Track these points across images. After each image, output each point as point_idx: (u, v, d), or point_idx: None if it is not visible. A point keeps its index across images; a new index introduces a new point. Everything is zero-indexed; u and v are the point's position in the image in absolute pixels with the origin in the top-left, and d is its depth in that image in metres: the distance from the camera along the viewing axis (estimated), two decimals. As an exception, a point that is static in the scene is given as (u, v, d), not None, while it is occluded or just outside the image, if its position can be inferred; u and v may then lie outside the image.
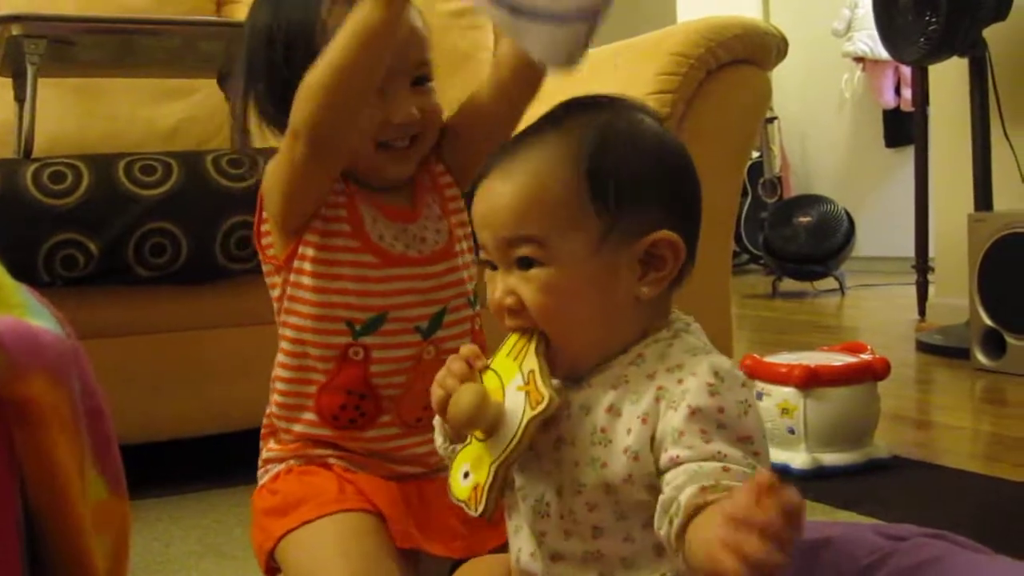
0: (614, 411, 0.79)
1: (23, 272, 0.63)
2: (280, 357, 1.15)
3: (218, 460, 1.80)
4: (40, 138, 1.83)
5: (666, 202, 0.82)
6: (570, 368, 0.83)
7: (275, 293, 1.15)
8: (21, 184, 1.61)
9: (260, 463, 1.18)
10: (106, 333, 1.66)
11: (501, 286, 0.82)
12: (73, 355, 0.63)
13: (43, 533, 0.59)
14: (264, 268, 1.16)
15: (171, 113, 2.46)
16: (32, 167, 1.65)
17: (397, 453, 1.13)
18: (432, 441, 0.94)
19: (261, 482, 1.16)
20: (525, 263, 0.81)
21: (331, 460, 1.13)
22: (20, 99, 1.87)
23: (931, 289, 3.51)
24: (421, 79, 1.12)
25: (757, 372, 1.73)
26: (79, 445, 0.60)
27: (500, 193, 0.82)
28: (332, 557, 1.02)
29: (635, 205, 0.80)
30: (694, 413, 0.74)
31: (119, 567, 0.67)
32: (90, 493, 0.64)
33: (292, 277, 1.12)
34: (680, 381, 0.77)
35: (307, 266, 1.11)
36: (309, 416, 1.14)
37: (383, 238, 1.13)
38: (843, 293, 4.58)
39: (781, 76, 5.32)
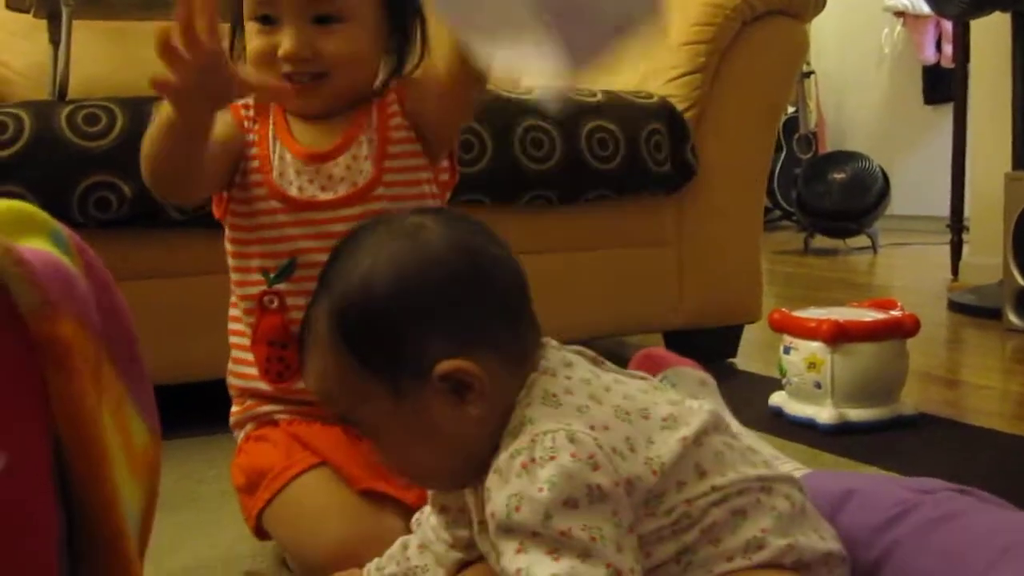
0: None
1: (57, 213, 0.63)
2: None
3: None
4: (74, 80, 1.84)
5: (443, 328, 0.76)
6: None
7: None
8: (56, 126, 1.62)
9: (231, 426, 1.19)
10: (139, 275, 1.68)
11: None
12: (111, 299, 0.63)
13: (72, 480, 0.57)
14: None
15: (204, 57, 2.46)
16: (67, 109, 1.65)
17: None
18: None
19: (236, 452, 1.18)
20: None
21: (277, 416, 1.13)
22: (55, 41, 1.88)
23: (965, 249, 3.47)
24: (324, 18, 1.07)
25: (785, 326, 1.72)
26: (98, 392, 0.59)
27: (307, 374, 0.83)
28: (308, 525, 1.03)
29: (406, 348, 0.76)
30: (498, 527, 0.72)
31: (149, 505, 0.68)
32: (136, 440, 0.64)
33: (225, 226, 1.14)
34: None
35: (229, 217, 1.13)
36: (251, 371, 1.14)
37: (291, 181, 1.10)
38: (875, 251, 4.54)
39: (819, 29, 5.25)
